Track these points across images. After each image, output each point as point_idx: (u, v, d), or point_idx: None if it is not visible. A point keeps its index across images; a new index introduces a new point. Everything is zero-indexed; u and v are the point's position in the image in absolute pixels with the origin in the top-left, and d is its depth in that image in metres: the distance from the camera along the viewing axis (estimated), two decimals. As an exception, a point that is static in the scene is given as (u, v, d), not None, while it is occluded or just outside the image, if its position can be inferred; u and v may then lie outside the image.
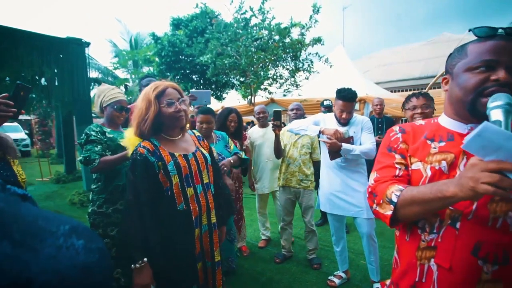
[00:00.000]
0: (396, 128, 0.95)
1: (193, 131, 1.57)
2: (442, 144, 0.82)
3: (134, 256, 1.18)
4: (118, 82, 11.36)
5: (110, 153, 1.81)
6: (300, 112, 3.01)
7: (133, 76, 13.70)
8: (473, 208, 0.74)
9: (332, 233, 2.45)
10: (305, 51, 7.02)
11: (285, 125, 2.90)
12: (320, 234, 3.17)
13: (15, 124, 12.64)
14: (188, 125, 1.43)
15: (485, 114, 0.69)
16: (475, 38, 0.79)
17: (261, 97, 7.75)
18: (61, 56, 5.23)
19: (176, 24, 9.49)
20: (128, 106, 2.00)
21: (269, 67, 7.18)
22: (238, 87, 8.73)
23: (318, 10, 6.54)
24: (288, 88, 7.58)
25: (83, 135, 1.79)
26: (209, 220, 1.37)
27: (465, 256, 0.73)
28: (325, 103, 3.61)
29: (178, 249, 1.27)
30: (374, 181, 0.89)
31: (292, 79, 7.43)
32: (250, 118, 9.01)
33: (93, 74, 10.24)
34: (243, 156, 2.34)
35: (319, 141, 2.70)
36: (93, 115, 5.98)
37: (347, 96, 2.16)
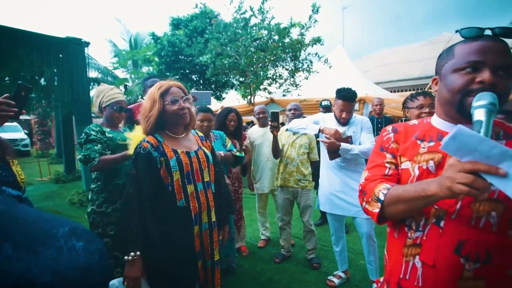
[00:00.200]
0: (389, 128, 0.97)
1: (196, 131, 1.59)
2: (432, 144, 0.84)
3: (129, 248, 1.19)
4: (118, 82, 11.34)
5: (109, 152, 1.81)
6: (298, 112, 3.01)
7: (132, 76, 13.67)
8: (457, 208, 0.75)
9: (332, 233, 2.45)
10: (304, 51, 7.03)
11: (283, 125, 2.90)
12: (319, 234, 3.17)
13: (15, 123, 12.60)
14: (192, 124, 1.45)
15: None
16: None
17: (260, 97, 7.75)
18: (60, 56, 5.22)
19: (176, 24, 9.49)
20: (129, 107, 2.00)
21: (268, 67, 7.19)
22: (238, 87, 8.73)
23: (317, 10, 6.55)
24: (288, 88, 7.58)
25: (83, 134, 1.80)
26: (209, 219, 1.38)
27: (448, 254, 0.75)
28: (323, 103, 3.60)
29: (178, 245, 1.28)
30: (365, 179, 0.92)
31: (292, 79, 7.43)
32: (250, 118, 9.01)
33: (92, 74, 10.26)
34: (237, 154, 2.35)
35: (317, 141, 2.70)
36: (92, 115, 5.97)
37: (347, 96, 2.16)
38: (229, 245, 2.49)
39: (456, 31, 0.80)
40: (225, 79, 8.10)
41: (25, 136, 12.61)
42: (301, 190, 2.69)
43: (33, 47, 4.82)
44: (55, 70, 5.30)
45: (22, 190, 1.24)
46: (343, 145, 2.10)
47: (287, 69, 7.40)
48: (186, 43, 8.68)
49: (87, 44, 5.51)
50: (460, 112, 0.78)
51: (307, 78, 7.50)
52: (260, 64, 6.97)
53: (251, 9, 6.91)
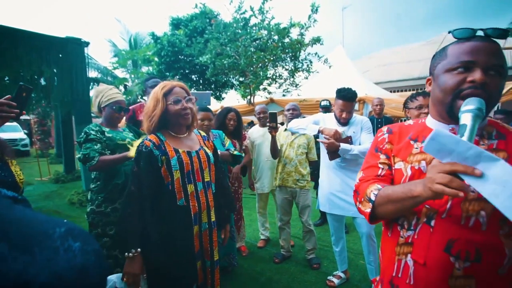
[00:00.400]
0: (384, 129, 0.98)
1: (199, 131, 1.60)
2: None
3: (129, 245, 1.21)
4: (118, 82, 11.33)
5: (109, 152, 1.82)
6: (296, 112, 3.01)
7: (132, 76, 13.66)
8: (447, 207, 0.76)
9: (332, 233, 2.45)
10: (304, 51, 7.02)
11: (282, 125, 2.90)
12: (319, 234, 3.17)
13: (14, 123, 12.59)
14: (195, 124, 1.46)
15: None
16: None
17: (260, 97, 7.74)
18: (60, 55, 5.22)
19: (176, 24, 9.48)
20: (131, 107, 2.00)
21: (268, 67, 7.18)
22: (238, 87, 8.72)
23: (316, 10, 6.54)
24: (288, 88, 7.57)
25: (83, 133, 1.80)
26: (209, 219, 1.38)
27: (438, 252, 0.76)
28: (322, 103, 3.59)
29: (177, 245, 1.29)
30: (359, 180, 0.94)
31: (292, 79, 7.42)
32: (250, 118, 9.01)
33: (92, 73, 10.24)
34: (235, 152, 2.35)
35: (315, 141, 2.70)
36: (92, 114, 5.97)
37: (347, 96, 2.16)
38: (230, 244, 2.50)
39: (449, 32, 0.81)
40: (225, 79, 8.09)
41: (25, 136, 12.62)
42: (299, 190, 2.70)
43: (33, 47, 4.82)
44: (54, 70, 5.31)
45: (20, 190, 1.24)
46: (343, 145, 2.10)
47: (286, 69, 7.39)
48: (186, 43, 8.68)
49: (87, 44, 5.51)
50: (449, 114, 0.80)
51: (307, 78, 7.49)
52: (260, 64, 6.96)
53: (251, 9, 6.91)
